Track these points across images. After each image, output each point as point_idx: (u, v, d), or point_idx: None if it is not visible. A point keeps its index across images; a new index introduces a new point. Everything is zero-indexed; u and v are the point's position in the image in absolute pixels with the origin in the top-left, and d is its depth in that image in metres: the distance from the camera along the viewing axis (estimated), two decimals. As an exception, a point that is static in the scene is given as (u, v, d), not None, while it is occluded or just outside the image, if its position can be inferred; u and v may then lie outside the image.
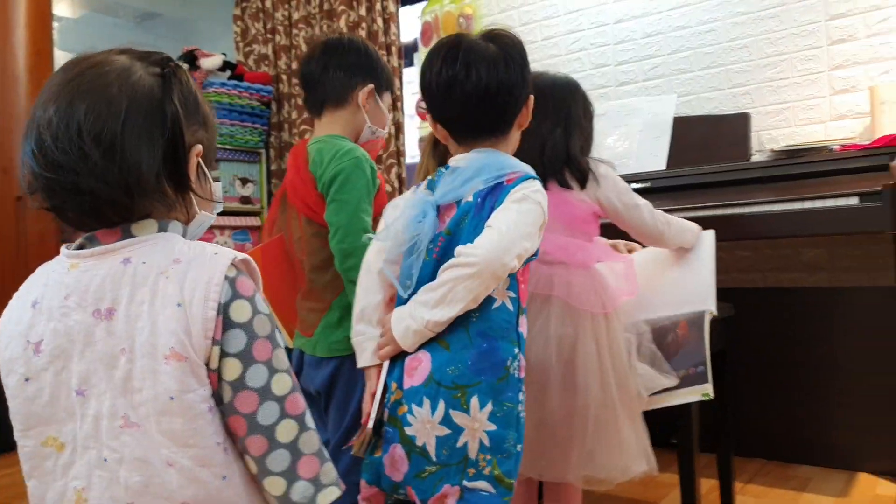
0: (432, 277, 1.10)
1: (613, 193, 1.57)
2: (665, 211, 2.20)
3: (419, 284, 1.11)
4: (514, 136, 1.28)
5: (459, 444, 1.04)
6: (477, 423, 1.05)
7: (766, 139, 2.62)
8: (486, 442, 1.05)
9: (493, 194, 1.12)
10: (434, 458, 1.05)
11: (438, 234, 1.13)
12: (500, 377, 1.07)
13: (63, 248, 0.77)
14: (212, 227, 3.54)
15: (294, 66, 3.87)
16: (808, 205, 2.00)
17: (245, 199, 3.74)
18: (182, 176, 0.78)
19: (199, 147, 0.81)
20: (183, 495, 0.71)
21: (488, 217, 1.10)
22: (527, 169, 1.20)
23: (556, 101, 1.59)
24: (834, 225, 1.95)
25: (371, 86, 1.50)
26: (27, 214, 2.80)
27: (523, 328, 1.16)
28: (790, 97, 2.60)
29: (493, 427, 1.05)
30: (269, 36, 4.00)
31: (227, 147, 3.65)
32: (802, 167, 2.14)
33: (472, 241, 1.08)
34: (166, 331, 0.71)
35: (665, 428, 1.78)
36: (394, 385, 1.10)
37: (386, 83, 1.56)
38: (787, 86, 2.61)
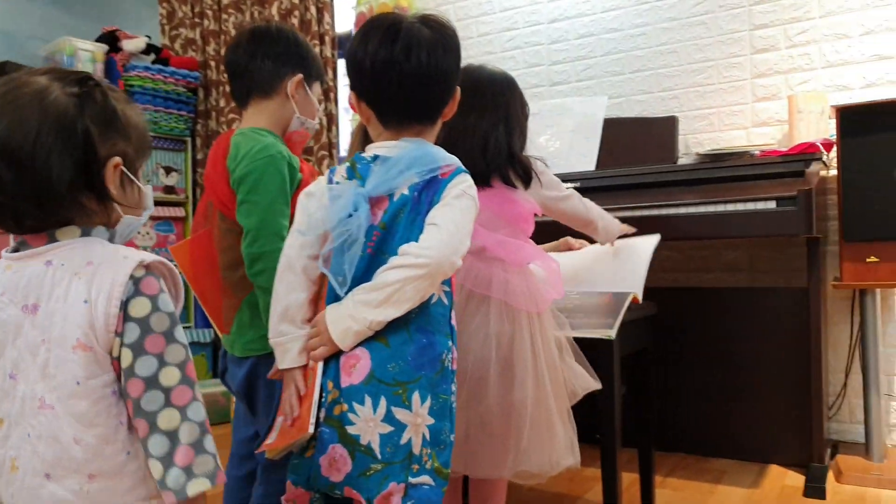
0: (366, 273, 1.07)
1: (550, 189, 1.60)
2: (595, 210, 2.26)
3: (354, 281, 1.07)
4: (438, 127, 1.26)
5: (403, 440, 1.04)
6: (419, 418, 1.05)
7: (693, 143, 2.71)
8: (427, 436, 1.05)
9: (430, 189, 1.10)
10: (379, 457, 1.03)
11: (372, 228, 1.09)
12: (438, 371, 1.08)
13: (3, 252, 0.88)
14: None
15: (223, 52, 3.75)
16: (729, 207, 2.07)
17: (169, 189, 3.59)
18: (99, 187, 0.85)
19: (117, 159, 0.87)
20: (89, 468, 0.81)
21: (425, 212, 1.09)
22: (457, 162, 1.18)
23: (496, 97, 1.58)
24: (753, 227, 2.03)
25: (300, 76, 1.43)
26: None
27: (454, 321, 1.17)
28: (715, 102, 2.69)
29: (432, 421, 1.06)
30: (197, 20, 3.86)
31: (151, 134, 3.49)
32: (725, 171, 2.22)
33: (408, 237, 1.07)
34: (74, 325, 0.81)
35: (589, 423, 1.82)
36: (329, 384, 1.06)
37: (316, 73, 1.49)
38: (713, 91, 2.69)
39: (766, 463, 2.28)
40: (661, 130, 2.49)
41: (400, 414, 1.03)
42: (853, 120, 2.09)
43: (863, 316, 2.21)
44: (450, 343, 1.12)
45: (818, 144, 2.12)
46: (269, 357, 1.20)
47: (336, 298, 1.09)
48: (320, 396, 1.08)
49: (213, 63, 3.81)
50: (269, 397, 1.35)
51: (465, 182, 1.14)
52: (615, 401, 1.64)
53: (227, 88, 3.70)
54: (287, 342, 1.12)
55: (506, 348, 1.46)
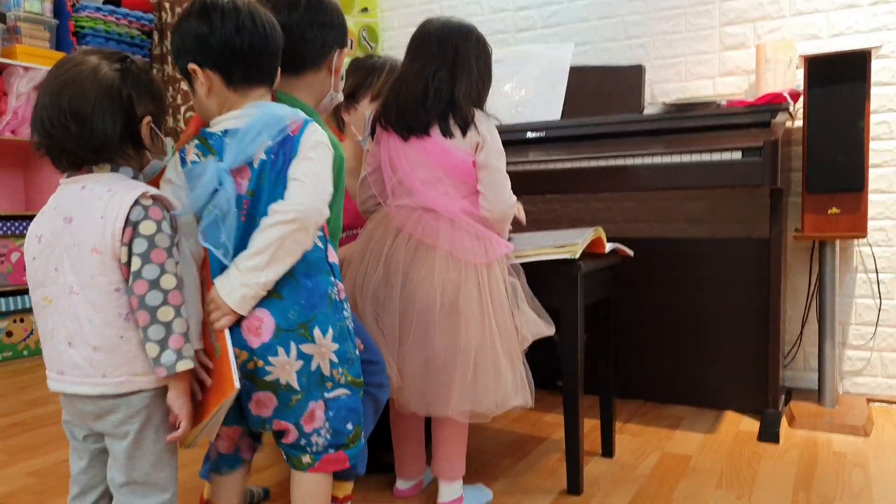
0: (244, 240, 1.15)
1: (489, 149, 1.55)
2: (559, 160, 2.24)
3: (234, 250, 1.16)
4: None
5: (313, 367, 1.19)
6: (323, 347, 1.20)
7: (659, 92, 2.68)
8: (335, 359, 1.22)
9: (284, 147, 1.17)
10: (298, 388, 1.19)
11: (241, 198, 1.16)
12: (328, 305, 1.21)
13: (61, 179, 1.15)
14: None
15: (178, -9, 3.58)
16: (695, 158, 2.06)
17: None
18: (137, 139, 1.14)
19: (149, 117, 1.15)
20: (94, 341, 1.08)
21: (285, 170, 1.16)
22: (302, 115, 1.22)
23: (443, 44, 1.56)
24: (718, 178, 2.03)
25: (344, 49, 1.41)
26: None
27: (333, 258, 1.27)
28: (683, 51, 2.66)
29: (336, 346, 1.21)
30: (150, -43, 3.67)
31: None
32: (691, 121, 2.20)
33: (274, 197, 1.15)
34: (92, 234, 1.07)
35: (551, 372, 1.84)
36: (236, 350, 1.15)
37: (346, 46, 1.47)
38: (680, 40, 2.66)
39: (723, 409, 2.33)
40: (628, 79, 2.46)
41: (306, 348, 1.18)
42: (821, 70, 2.08)
43: (821, 267, 2.25)
44: (332, 279, 1.24)
45: (785, 95, 2.11)
46: None
47: (221, 269, 1.16)
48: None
49: (167, 4, 3.63)
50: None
51: (315, 132, 1.21)
52: (578, 348, 1.65)
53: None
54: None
55: (451, 295, 1.51)
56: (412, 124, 1.55)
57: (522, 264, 1.62)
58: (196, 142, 1.21)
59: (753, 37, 2.53)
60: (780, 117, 2.09)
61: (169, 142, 1.16)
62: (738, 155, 2.00)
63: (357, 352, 1.28)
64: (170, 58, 3.57)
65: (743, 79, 2.56)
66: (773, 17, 2.50)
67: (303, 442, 1.23)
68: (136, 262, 1.06)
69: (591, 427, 2.09)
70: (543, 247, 1.65)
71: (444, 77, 1.54)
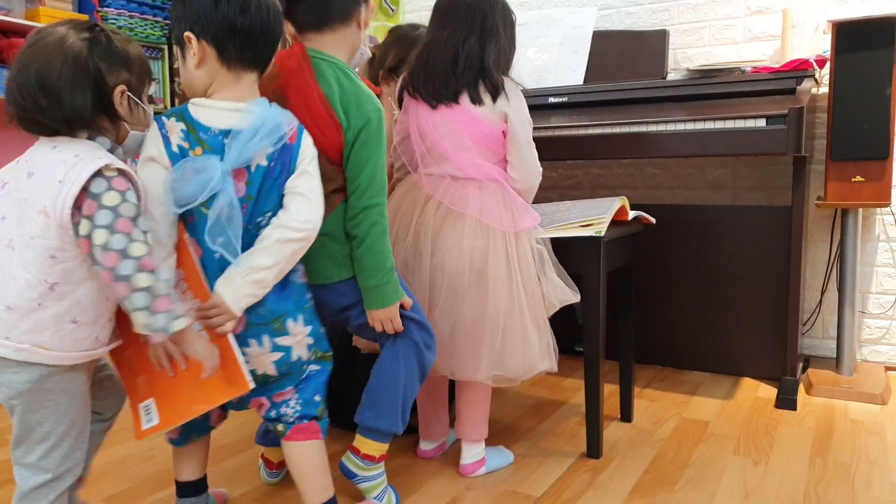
0: (244, 240, 1.19)
1: (517, 116, 1.57)
2: (581, 126, 2.23)
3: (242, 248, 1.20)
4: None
5: (294, 357, 1.25)
6: (299, 335, 1.26)
7: (682, 58, 2.65)
8: (311, 341, 1.28)
9: (283, 156, 1.21)
10: (277, 374, 1.25)
11: (241, 200, 1.18)
12: (295, 293, 1.27)
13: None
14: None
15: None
16: (718, 125, 2.04)
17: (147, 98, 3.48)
18: (109, 109, 1.11)
19: (122, 86, 1.12)
20: (10, 300, 1.05)
21: (284, 179, 1.21)
22: (294, 119, 1.24)
23: (471, 10, 1.56)
24: (742, 146, 2.01)
25: (371, 3, 1.40)
26: None
27: None
28: (707, 16, 2.62)
29: (309, 329, 1.28)
30: (167, -83, 3.64)
31: (124, 41, 3.35)
32: (715, 87, 2.19)
33: (269, 204, 1.20)
34: (45, 195, 1.04)
35: (570, 336, 1.86)
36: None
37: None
38: (705, 4, 2.62)
39: (740, 376, 2.36)
40: (651, 44, 2.43)
41: (283, 340, 1.24)
42: (849, 36, 2.05)
43: (843, 235, 2.24)
44: (297, 266, 1.28)
45: (811, 61, 2.08)
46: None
47: (220, 268, 1.18)
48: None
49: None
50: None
51: (309, 142, 1.25)
52: (600, 314, 1.67)
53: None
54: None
55: (479, 262, 1.53)
56: (441, 91, 1.55)
57: (546, 234, 1.64)
58: (181, 125, 1.18)
59: (780, 1, 2.48)
60: (806, 84, 2.07)
61: (150, 110, 1.18)
62: (762, 122, 1.98)
63: (323, 329, 1.33)
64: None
65: (768, 44, 2.52)
66: (802, -20, 2.45)
67: (273, 413, 1.29)
68: (101, 235, 1.02)
69: (609, 392, 2.12)
70: (568, 223, 1.66)
71: (473, 44, 1.54)
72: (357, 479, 1.44)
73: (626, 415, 1.98)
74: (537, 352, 1.56)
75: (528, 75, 2.52)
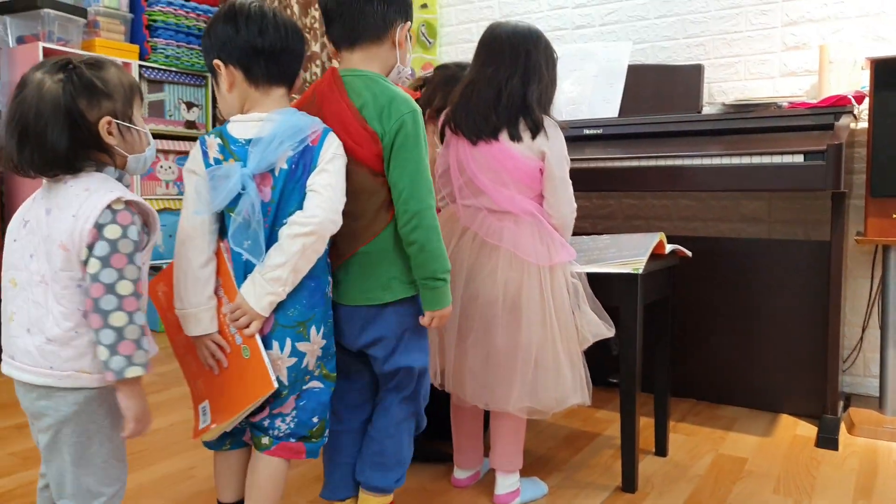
0: (269, 243, 1.24)
1: (555, 154, 1.59)
2: (616, 158, 2.25)
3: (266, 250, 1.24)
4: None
5: (303, 364, 1.27)
6: (315, 344, 1.28)
7: (717, 92, 2.67)
8: (320, 354, 1.30)
9: (304, 157, 1.24)
10: (286, 383, 1.26)
11: (265, 205, 1.24)
12: (325, 303, 1.30)
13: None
14: (157, 152, 3.41)
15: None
16: (755, 160, 2.04)
17: (190, 124, 3.60)
18: (95, 143, 1.12)
19: (107, 117, 1.12)
20: (50, 332, 1.09)
21: (305, 179, 1.24)
22: (321, 124, 1.28)
23: (515, 49, 1.59)
24: (779, 181, 2.01)
25: (408, 24, 1.42)
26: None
27: (329, 257, 1.34)
28: (743, 51, 2.63)
29: (324, 342, 1.30)
30: (214, -46, 3.78)
31: (173, 69, 3.48)
32: (751, 122, 2.19)
33: (296, 206, 1.23)
34: (62, 230, 1.08)
35: (604, 368, 1.86)
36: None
37: (412, 21, 1.48)
38: (740, 39, 2.64)
39: (778, 412, 2.32)
40: (686, 78, 2.45)
41: (302, 346, 1.26)
42: (888, 72, 2.04)
43: (885, 271, 2.21)
44: (329, 278, 1.33)
45: (850, 97, 2.08)
46: (400, 303, 1.37)
47: (245, 270, 1.25)
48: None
49: None
50: (406, 328, 1.40)
51: (333, 143, 1.27)
52: (637, 347, 1.67)
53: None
54: (199, 312, 1.26)
55: (514, 294, 1.55)
56: (481, 128, 1.59)
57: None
58: (218, 141, 1.27)
59: (817, 37, 2.49)
60: (844, 120, 2.07)
61: (146, 131, 1.21)
62: (799, 158, 1.98)
63: (334, 349, 1.35)
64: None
65: (805, 80, 2.53)
66: (838, 17, 2.46)
67: (266, 423, 1.29)
68: (94, 265, 1.05)
69: (643, 424, 2.10)
70: (607, 262, 1.67)
71: (516, 83, 1.57)
72: None
73: (661, 449, 1.96)
74: (570, 385, 1.57)
75: (563, 107, 2.55)
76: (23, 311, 1.11)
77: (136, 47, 3.34)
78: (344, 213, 1.33)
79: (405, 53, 1.47)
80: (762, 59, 2.60)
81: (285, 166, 1.23)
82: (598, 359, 1.69)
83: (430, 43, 3.23)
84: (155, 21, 3.42)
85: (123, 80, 1.16)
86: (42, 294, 1.09)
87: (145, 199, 3.31)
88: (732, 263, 2.39)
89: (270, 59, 1.27)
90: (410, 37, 1.52)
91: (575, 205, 1.67)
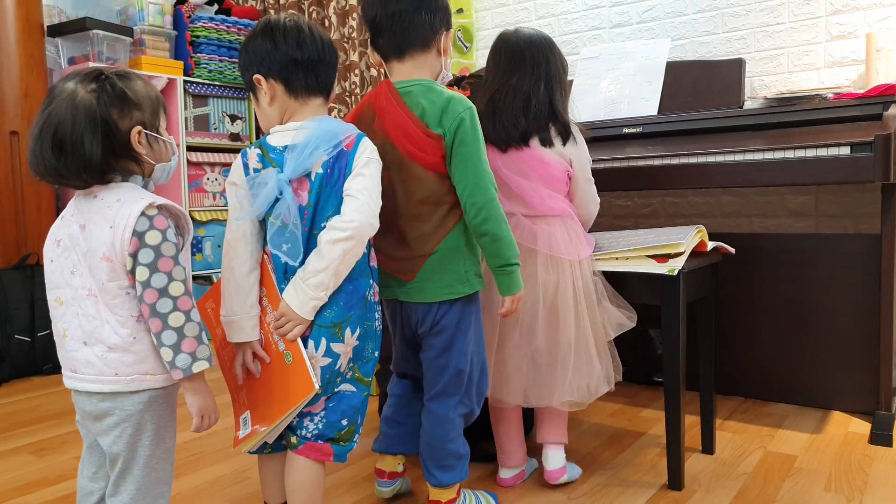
0: (308, 247, 1.27)
1: (581, 161, 1.69)
2: (656, 157, 2.24)
3: (307, 254, 1.28)
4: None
5: (337, 366, 1.30)
6: (349, 346, 1.30)
7: (759, 86, 2.63)
8: (351, 355, 1.31)
9: (339, 162, 1.28)
10: (320, 383, 1.28)
11: (302, 208, 1.27)
12: (363, 306, 1.32)
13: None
14: (202, 165, 3.52)
15: (283, 0, 3.76)
16: (799, 154, 2.01)
17: (234, 136, 3.69)
18: (125, 152, 1.15)
19: (138, 127, 1.15)
20: (110, 341, 1.12)
21: (341, 183, 1.27)
22: (355, 129, 1.32)
23: (535, 58, 1.66)
24: (825, 174, 1.97)
25: (451, 31, 1.49)
26: (21, 148, 2.99)
27: (373, 261, 1.37)
28: (786, 42, 2.59)
29: (356, 343, 1.32)
30: (255, -32, 3.88)
31: (216, 83, 3.58)
32: (795, 115, 2.16)
33: (333, 210, 1.26)
34: (102, 242, 1.11)
35: (648, 367, 1.86)
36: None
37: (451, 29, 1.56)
38: (782, 31, 2.59)
39: (829, 409, 2.28)
40: (727, 73, 2.42)
41: (336, 347, 1.29)
42: (936, 59, 1.99)
43: (937, 263, 2.15)
44: (371, 281, 1.35)
45: (898, 86, 2.03)
46: (471, 297, 1.46)
47: (283, 270, 1.30)
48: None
49: (272, 11, 3.83)
50: (466, 329, 1.47)
51: (367, 148, 1.31)
52: (680, 347, 1.66)
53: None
54: (241, 320, 1.30)
55: (552, 296, 1.62)
56: (512, 135, 1.64)
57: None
58: (258, 151, 1.32)
59: (863, 25, 2.44)
60: (893, 109, 2.02)
61: (172, 142, 1.24)
62: (846, 150, 1.94)
63: (376, 354, 1.37)
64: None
65: (851, 69, 2.47)
66: (885, 4, 2.40)
67: (295, 422, 1.31)
68: (143, 272, 1.09)
69: (689, 423, 2.09)
70: (643, 247, 1.68)
71: (542, 90, 1.64)
72: None
73: (707, 446, 1.94)
74: (602, 376, 1.64)
75: (601, 107, 2.55)
76: (74, 325, 1.14)
77: (180, 63, 3.45)
78: (415, 217, 1.42)
79: (447, 60, 1.53)
80: (806, 50, 2.55)
81: (321, 171, 1.27)
82: (643, 357, 1.70)
83: (466, 47, 3.26)
84: (198, 37, 3.52)
85: (150, 92, 1.20)
86: (93, 306, 1.13)
87: (192, 210, 3.44)
88: (780, 259, 2.35)
89: (309, 70, 1.31)
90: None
91: (598, 199, 1.78)
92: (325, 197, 1.28)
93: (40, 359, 2.87)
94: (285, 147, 1.30)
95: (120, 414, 1.14)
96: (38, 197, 3.05)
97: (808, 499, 1.65)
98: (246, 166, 1.33)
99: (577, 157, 1.68)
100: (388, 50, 1.46)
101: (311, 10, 3.68)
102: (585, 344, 1.60)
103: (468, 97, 1.98)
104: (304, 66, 1.31)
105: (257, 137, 3.72)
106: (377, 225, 1.29)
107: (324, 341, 1.28)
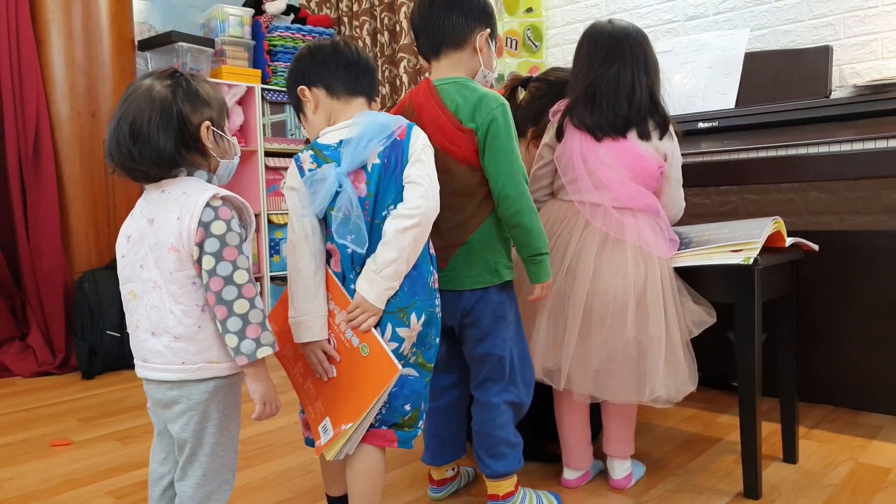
0: (371, 236, 1.30)
1: (674, 157, 1.66)
2: (732, 151, 2.15)
3: (371, 242, 1.30)
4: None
5: (401, 350, 1.30)
6: (414, 331, 1.32)
7: (850, 74, 2.47)
8: (415, 339, 1.33)
9: (395, 151, 1.31)
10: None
11: (362, 200, 1.29)
12: (426, 292, 1.33)
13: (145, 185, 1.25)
14: (279, 170, 3.63)
15: (356, 8, 3.84)
16: (892, 144, 1.88)
17: (309, 142, 3.80)
18: (198, 145, 1.21)
19: (207, 122, 1.22)
20: (175, 331, 1.17)
21: (400, 171, 1.30)
22: (403, 120, 1.35)
23: (634, 49, 1.64)
24: (919, 164, 1.83)
25: (488, 30, 1.52)
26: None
27: (432, 249, 1.38)
28: (879, 27, 2.43)
29: (421, 329, 1.33)
30: (330, -22, 3.98)
31: (292, 91, 3.68)
32: (888, 104, 2.01)
33: (393, 198, 1.29)
34: (169, 233, 1.16)
35: (725, 371, 1.77)
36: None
37: (496, 30, 1.58)
38: (875, 15, 2.43)
39: (930, 420, 2.11)
40: (811, 62, 2.29)
41: (402, 331, 1.30)
42: None
43: None
44: (431, 268, 1.36)
45: None
46: (502, 286, 1.48)
47: (351, 262, 1.31)
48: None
49: (346, 19, 3.92)
50: (502, 316, 1.50)
51: (421, 135, 1.34)
52: (755, 347, 1.58)
53: (360, 44, 3.81)
54: (310, 320, 1.32)
55: (641, 287, 1.57)
56: (612, 124, 1.61)
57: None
58: (311, 153, 1.35)
59: (965, 5, 2.25)
60: None
61: (234, 141, 1.31)
62: (944, 137, 1.80)
63: (437, 341, 1.37)
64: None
65: (952, 53, 2.29)
66: None
67: None
68: (209, 261, 1.12)
69: (771, 431, 1.98)
70: (717, 245, 1.61)
71: (644, 80, 1.61)
72: None
73: (789, 455, 1.83)
74: (687, 374, 1.58)
75: (675, 102, 2.46)
76: (144, 317, 1.19)
77: (258, 72, 3.57)
78: (448, 208, 1.43)
79: (489, 58, 1.55)
80: (900, 35, 2.39)
81: (377, 160, 1.30)
82: (722, 362, 1.63)
83: (535, 46, 3.23)
84: (275, 46, 3.64)
85: (218, 94, 1.27)
86: (158, 298, 1.17)
87: (270, 213, 3.55)
88: (873, 258, 2.20)
89: (347, 71, 1.37)
90: (495, 43, 1.58)
91: (684, 204, 1.73)
92: (384, 186, 1.30)
93: (129, 353, 3.00)
94: (339, 143, 1.32)
95: (187, 402, 1.18)
96: (129, 203, 3.21)
97: (900, 513, 1.53)
98: (301, 169, 1.35)
99: (672, 152, 1.64)
100: (426, 50, 1.53)
101: (382, 15, 3.74)
102: (672, 338, 1.56)
103: (534, 97, 1.97)
104: (342, 68, 1.37)
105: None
106: (438, 209, 1.32)
107: (389, 326, 1.30)
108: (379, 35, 3.78)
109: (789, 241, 1.71)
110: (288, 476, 1.84)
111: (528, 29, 3.23)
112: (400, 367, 1.25)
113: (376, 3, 3.78)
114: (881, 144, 1.89)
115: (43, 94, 3.04)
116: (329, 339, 1.32)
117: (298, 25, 3.74)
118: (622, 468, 1.69)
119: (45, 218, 3.01)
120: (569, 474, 1.72)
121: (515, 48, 3.28)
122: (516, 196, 1.42)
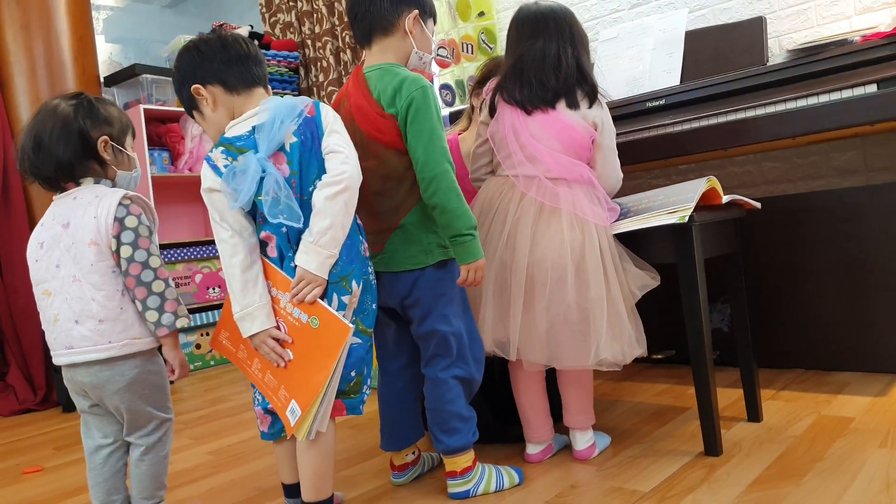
0: (304, 212, 1.31)
1: (605, 125, 1.67)
2: (679, 122, 2.18)
3: (304, 218, 1.32)
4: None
5: (345, 317, 1.32)
6: (355, 296, 1.36)
7: (788, 42, 2.52)
8: (356, 306, 1.37)
9: (309, 127, 1.33)
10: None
11: (288, 178, 1.32)
12: (360, 260, 1.38)
13: (54, 196, 1.42)
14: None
15: (317, 29, 3.92)
16: (823, 99, 1.92)
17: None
18: (94, 157, 1.38)
19: (104, 137, 1.38)
20: (99, 315, 1.32)
21: (318, 146, 1.33)
22: (307, 98, 1.38)
23: (559, 23, 1.67)
24: (851, 117, 1.87)
25: (416, 11, 1.53)
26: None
27: (359, 220, 1.42)
28: (812, -4, 2.48)
29: (360, 294, 1.37)
30: (291, 3, 4.06)
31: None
32: (820, 64, 2.04)
33: (317, 172, 1.32)
34: (88, 230, 1.31)
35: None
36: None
37: (429, 10, 1.59)
38: (807, -16, 2.48)
39: (896, 373, 2.11)
40: (747, 33, 2.33)
41: (345, 298, 1.34)
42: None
43: None
44: (360, 238, 1.41)
45: (925, 17, 1.91)
46: (438, 265, 1.50)
47: (286, 238, 1.33)
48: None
49: (309, 42, 3.99)
50: (441, 294, 1.52)
51: (328, 109, 1.38)
52: (700, 303, 1.59)
53: (324, 64, 3.88)
54: (254, 310, 1.33)
55: (578, 253, 1.57)
56: (541, 96, 1.64)
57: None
58: (221, 148, 1.35)
59: (891, -35, 2.30)
60: (925, 43, 1.89)
61: (135, 157, 1.45)
62: (872, 88, 1.84)
63: (374, 307, 1.43)
64: (315, 89, 3.91)
65: (884, 13, 2.34)
66: (911, -62, 2.27)
67: None
68: (127, 250, 1.30)
69: (737, 396, 1.99)
70: (654, 211, 1.62)
71: (570, 52, 1.65)
72: (471, 492, 1.53)
73: (753, 414, 1.84)
74: (634, 338, 1.58)
75: (623, 85, 2.50)
76: (64, 309, 1.33)
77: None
78: (381, 193, 1.47)
79: (422, 40, 1.56)
80: (834, 0, 2.43)
81: (294, 139, 1.32)
82: (684, 338, 1.63)
83: (490, 48, 3.29)
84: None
85: (122, 116, 1.44)
86: (79, 290, 1.32)
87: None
88: (829, 218, 2.23)
89: (240, 65, 1.38)
90: (433, 22, 1.59)
91: (621, 174, 1.74)
92: (306, 162, 1.33)
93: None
94: (251, 130, 1.34)
95: (121, 379, 1.33)
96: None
97: (858, 456, 1.53)
98: (215, 168, 1.35)
99: (603, 121, 1.66)
100: (360, 38, 1.56)
101: (343, 34, 3.82)
102: (615, 302, 1.56)
103: (480, 80, 2.03)
104: (234, 63, 1.38)
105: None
106: (361, 174, 1.35)
107: (335, 296, 1.32)
108: (342, 53, 3.85)
109: (726, 198, 1.73)
110: (253, 479, 1.84)
111: (482, 32, 3.29)
112: (352, 326, 1.26)
113: (336, 22, 3.86)
114: (812, 101, 1.94)
115: (9, 133, 3.10)
116: (278, 326, 1.34)
117: (263, 51, 3.81)
118: (584, 439, 1.70)
119: (17, 254, 3.04)
120: (531, 448, 1.72)
121: (472, 52, 3.34)
122: (432, 177, 1.42)
